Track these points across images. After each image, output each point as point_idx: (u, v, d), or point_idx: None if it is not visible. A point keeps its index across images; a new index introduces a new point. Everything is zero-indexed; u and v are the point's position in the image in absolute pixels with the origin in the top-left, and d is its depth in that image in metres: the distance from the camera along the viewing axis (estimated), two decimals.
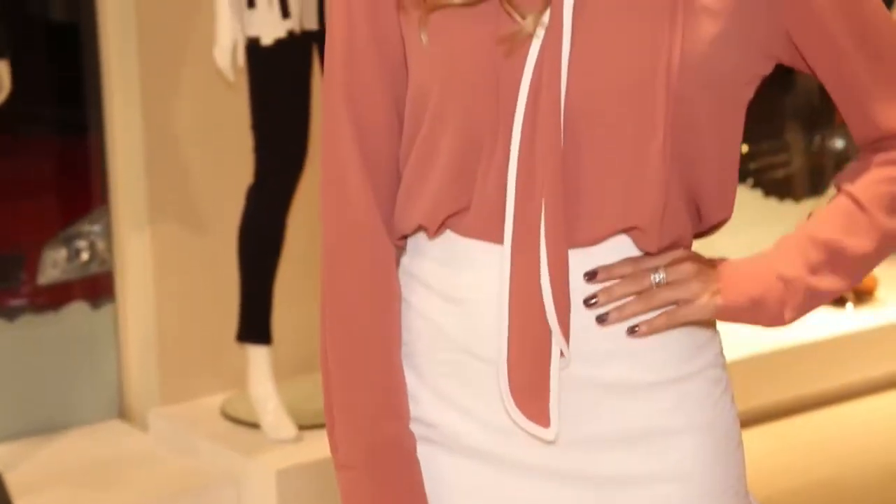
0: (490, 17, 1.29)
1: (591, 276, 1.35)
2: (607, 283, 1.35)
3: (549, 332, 1.32)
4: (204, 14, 3.65)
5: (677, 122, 1.30)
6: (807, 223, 1.45)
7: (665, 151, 1.30)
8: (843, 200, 1.44)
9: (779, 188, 5.20)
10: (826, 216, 1.44)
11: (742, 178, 5.58)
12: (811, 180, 5.25)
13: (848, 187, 1.43)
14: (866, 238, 1.42)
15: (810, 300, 1.42)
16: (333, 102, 1.39)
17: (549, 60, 1.28)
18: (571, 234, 1.32)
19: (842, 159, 5.02)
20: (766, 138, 5.33)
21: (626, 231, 1.35)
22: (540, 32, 1.28)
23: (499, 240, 1.34)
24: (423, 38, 1.31)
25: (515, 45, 1.29)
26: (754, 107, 1.42)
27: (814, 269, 1.40)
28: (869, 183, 1.42)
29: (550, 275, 1.31)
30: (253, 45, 3.45)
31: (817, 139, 5.23)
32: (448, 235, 1.38)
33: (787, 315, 1.40)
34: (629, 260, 1.36)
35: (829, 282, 1.41)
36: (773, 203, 5.12)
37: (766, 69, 1.39)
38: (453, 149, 1.34)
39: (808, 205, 5.04)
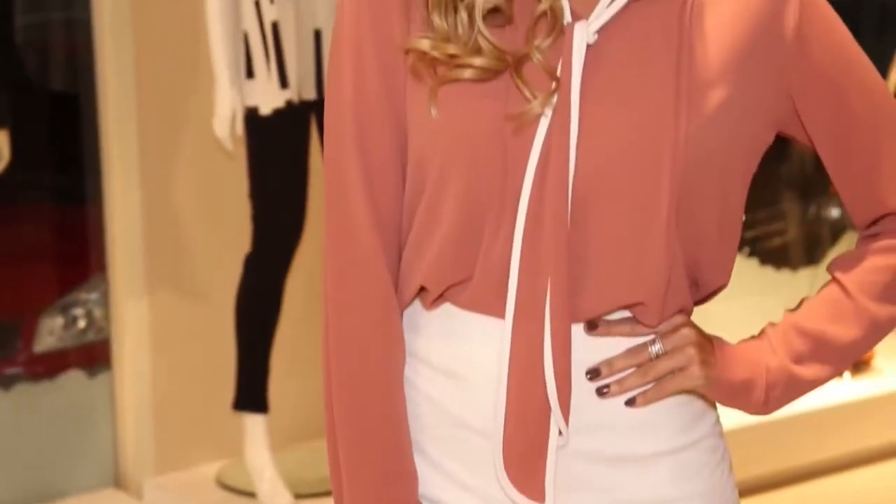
0: (500, 94, 1.30)
1: (591, 326, 1.35)
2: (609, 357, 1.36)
3: (548, 409, 1.32)
4: (203, 84, 3.67)
5: (682, 198, 1.31)
6: (795, 312, 1.45)
7: (670, 227, 1.31)
8: (833, 289, 1.45)
9: (775, 257, 5.21)
10: (814, 305, 1.45)
11: (738, 246, 5.59)
12: (807, 249, 5.26)
13: (840, 276, 1.45)
14: (854, 327, 1.42)
15: (794, 390, 1.43)
16: (342, 154, 1.38)
17: (558, 139, 1.29)
18: (574, 310, 1.33)
19: (838, 228, 5.03)
20: (762, 206, 5.34)
21: (628, 307, 1.36)
22: (548, 111, 1.29)
23: (500, 314, 1.34)
24: (434, 111, 1.32)
25: (524, 122, 1.29)
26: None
27: (798, 359, 1.41)
28: (862, 272, 1.43)
29: (553, 353, 1.31)
30: (251, 115, 3.47)
31: (813, 208, 5.25)
32: (447, 308, 1.38)
33: (771, 405, 1.42)
34: (629, 320, 1.37)
35: (814, 371, 1.42)
36: (769, 272, 5.12)
37: (770, 138, 1.40)
38: (456, 220, 1.34)
39: (804, 274, 5.05)
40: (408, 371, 1.41)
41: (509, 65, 1.29)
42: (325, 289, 1.41)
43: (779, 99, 1.37)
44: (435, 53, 1.30)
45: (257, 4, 3.38)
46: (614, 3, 1.31)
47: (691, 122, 1.30)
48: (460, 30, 1.29)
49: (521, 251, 1.31)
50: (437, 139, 1.33)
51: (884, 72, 4.54)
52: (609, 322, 1.36)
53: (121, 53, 3.90)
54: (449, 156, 1.32)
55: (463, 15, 1.29)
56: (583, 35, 1.29)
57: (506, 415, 1.33)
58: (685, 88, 1.30)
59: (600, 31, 1.30)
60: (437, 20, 1.30)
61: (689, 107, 1.30)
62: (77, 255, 4.15)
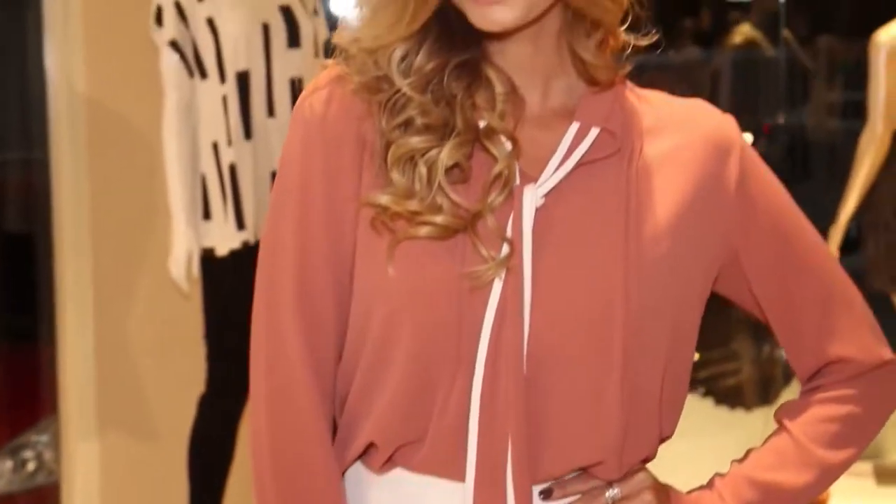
0: (455, 252, 1.30)
1: (546, 493, 1.34)
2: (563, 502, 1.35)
3: None
4: (159, 224, 3.69)
5: (634, 354, 1.31)
6: (743, 462, 1.45)
7: (624, 385, 1.31)
8: (782, 438, 1.45)
9: (729, 397, 5.23)
10: (763, 454, 1.44)
11: (692, 386, 5.61)
12: (761, 389, 5.29)
13: (788, 424, 1.45)
14: (805, 473, 1.43)
15: None
16: (279, 306, 1.38)
17: (512, 300, 1.29)
18: (533, 471, 1.32)
19: (790, 369, 5.07)
20: (715, 346, 5.38)
21: (587, 467, 1.35)
22: (501, 271, 1.29)
23: (457, 476, 1.32)
24: (390, 270, 1.30)
25: (479, 282, 1.29)
26: (704, 314, 1.44)
27: None
28: (811, 421, 1.44)
29: None
30: (208, 256, 3.48)
31: (766, 348, 5.29)
32: (399, 474, 1.36)
33: None
34: (584, 475, 1.36)
35: None
36: (723, 412, 5.14)
37: (709, 290, 1.41)
38: (408, 377, 1.32)
39: (758, 414, 5.06)
40: None
41: (466, 222, 1.30)
42: (255, 447, 1.39)
43: (723, 252, 1.39)
44: (396, 208, 1.29)
45: (215, 147, 3.41)
46: (562, 167, 1.33)
47: (641, 281, 1.31)
48: (419, 186, 1.30)
49: (480, 412, 1.29)
50: (390, 294, 1.31)
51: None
52: (564, 482, 1.35)
53: (77, 193, 3.92)
54: (401, 312, 1.31)
55: (423, 170, 1.30)
56: (532, 199, 1.31)
57: None
58: (634, 248, 1.32)
59: (550, 193, 1.32)
60: (397, 176, 1.30)
61: (638, 265, 1.31)
62: (28, 397, 4.11)
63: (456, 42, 1.34)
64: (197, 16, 3.37)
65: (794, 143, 6.46)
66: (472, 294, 1.29)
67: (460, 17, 1.32)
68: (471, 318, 1.30)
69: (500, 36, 1.33)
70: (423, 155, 1.30)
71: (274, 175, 3.49)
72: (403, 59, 1.32)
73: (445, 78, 1.32)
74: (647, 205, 1.34)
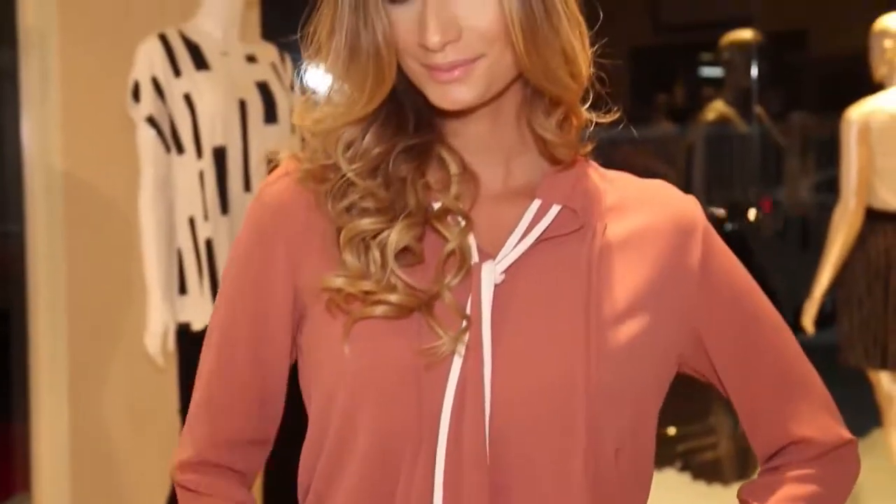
0: (412, 331, 1.30)
1: None
2: None
3: None
4: (135, 299, 3.68)
5: (597, 432, 1.30)
6: None
7: (588, 462, 1.30)
8: None
9: (706, 471, 5.22)
10: None
11: (670, 461, 5.61)
12: (739, 464, 5.28)
13: None
14: None
15: None
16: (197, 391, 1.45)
17: (472, 377, 1.29)
18: None
19: None
20: (693, 421, 5.37)
21: None
22: (461, 348, 1.29)
23: None
24: (346, 349, 1.31)
25: (436, 359, 1.29)
26: (681, 388, 1.44)
27: None
28: (775, 501, 1.43)
29: None
30: (183, 331, 3.47)
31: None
32: None
33: None
34: None
35: None
36: (701, 486, 5.12)
37: (674, 371, 1.41)
38: (370, 457, 1.32)
39: (735, 488, 5.05)
40: None
41: (422, 302, 1.30)
42: None
43: (685, 333, 1.39)
44: (350, 290, 1.30)
45: (191, 222, 3.42)
46: (522, 243, 1.33)
47: (601, 360, 1.30)
48: (373, 268, 1.31)
49: (444, 492, 1.28)
50: (348, 375, 1.31)
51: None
52: None
53: (53, 268, 3.91)
54: (360, 392, 1.31)
55: (375, 253, 1.31)
56: (490, 275, 1.31)
57: None
58: (595, 325, 1.31)
59: (509, 269, 1.33)
60: (350, 258, 1.32)
61: (598, 345, 1.31)
62: (1, 473, 4.06)
63: (407, 123, 1.36)
64: (174, 91, 3.39)
65: (790, 218, 6.51)
66: (431, 372, 1.29)
67: (414, 97, 1.34)
68: (430, 396, 1.29)
69: (459, 115, 1.35)
70: (374, 237, 1.32)
71: None
72: (350, 145, 1.34)
73: (393, 161, 1.34)
74: (608, 285, 1.34)
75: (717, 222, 6.11)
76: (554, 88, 1.30)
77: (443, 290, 1.30)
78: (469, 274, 1.31)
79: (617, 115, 1.39)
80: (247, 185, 3.45)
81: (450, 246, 1.31)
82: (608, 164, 1.46)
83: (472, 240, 1.33)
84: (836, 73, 6.81)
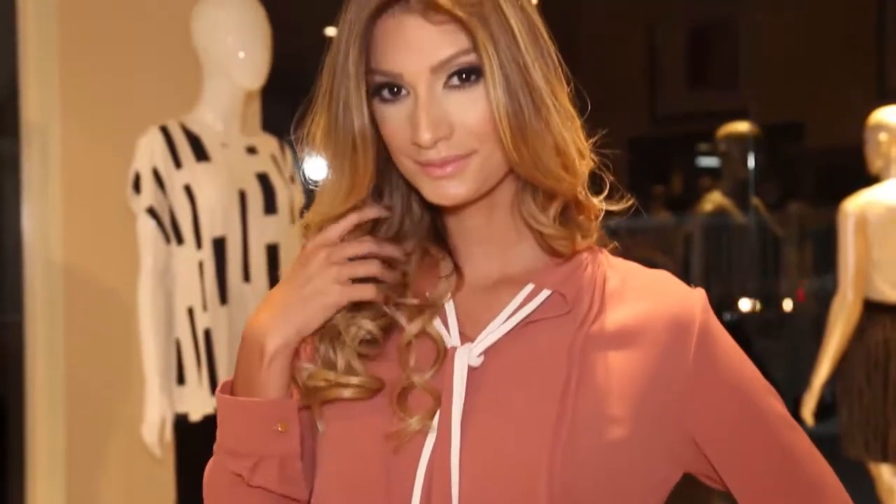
0: (384, 412, 1.32)
1: None
2: None
3: None
4: (133, 389, 3.67)
5: None
6: None
7: None
8: None
9: None
10: None
11: None
12: None
13: None
14: None
15: None
16: None
17: (440, 460, 1.29)
18: None
19: None
20: None
21: None
22: (431, 434, 1.30)
23: None
24: (320, 426, 1.35)
25: (404, 441, 1.30)
26: (682, 484, 1.41)
27: None
28: None
29: None
30: (181, 422, 3.45)
31: None
32: None
33: None
34: None
35: None
36: None
37: (675, 476, 1.37)
38: None
39: None
40: None
41: (383, 384, 1.33)
42: None
43: (677, 436, 1.34)
44: (311, 383, 1.34)
45: (190, 312, 3.42)
46: (505, 324, 1.34)
47: (569, 461, 1.28)
48: (340, 357, 1.34)
49: None
50: (322, 455, 1.35)
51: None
52: None
53: (51, 357, 3.91)
54: (332, 472, 1.33)
55: (344, 341, 1.35)
56: (464, 359, 1.32)
57: None
58: (568, 422, 1.28)
59: (489, 350, 1.33)
60: (323, 349, 1.36)
61: (569, 443, 1.28)
62: None
63: (400, 219, 1.40)
64: (175, 182, 3.41)
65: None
66: (399, 455, 1.30)
67: (410, 192, 1.38)
68: (399, 479, 1.30)
69: (455, 209, 1.37)
70: (346, 328, 1.35)
71: None
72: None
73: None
74: (591, 379, 1.31)
75: (746, 315, 6.11)
76: (547, 181, 1.31)
77: (412, 375, 1.32)
78: (445, 358, 1.33)
79: (629, 203, 1.39)
80: (246, 276, 3.46)
81: (406, 335, 1.34)
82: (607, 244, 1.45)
83: (445, 325, 1.35)
84: (833, 164, 6.86)
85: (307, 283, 1.34)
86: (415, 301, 1.36)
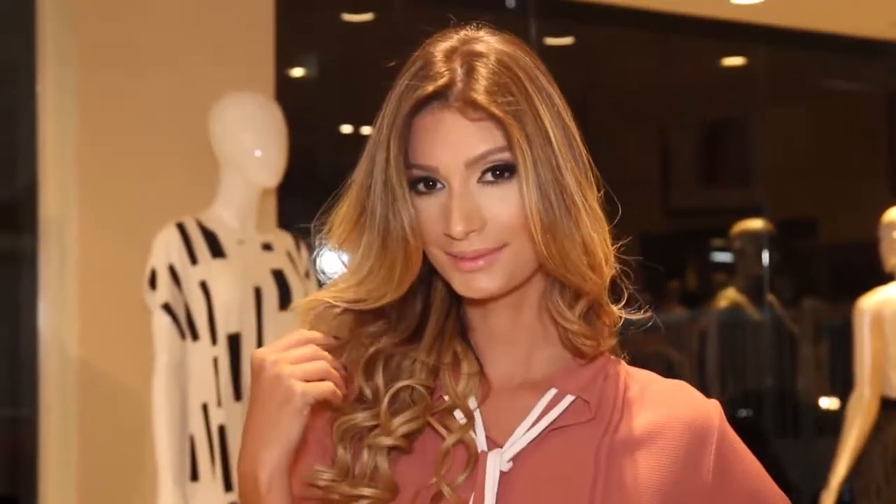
0: None
1: None
2: None
3: None
4: (147, 485, 3.65)
5: None
6: None
7: None
8: None
9: None
10: None
11: None
12: None
13: None
14: None
15: None
16: None
17: None
18: None
19: None
20: None
21: None
22: None
23: None
24: None
25: None
26: None
27: None
28: None
29: None
30: None
31: None
32: None
33: None
34: None
35: None
36: None
37: None
38: None
39: None
40: None
41: (398, 491, 1.32)
42: None
43: None
44: (331, 494, 1.33)
45: (205, 408, 3.42)
46: (532, 430, 1.34)
47: None
48: (367, 455, 1.33)
49: None
50: None
51: None
52: None
53: (65, 453, 3.89)
54: None
55: (365, 453, 1.33)
56: (495, 464, 1.32)
57: None
58: None
59: (517, 456, 1.33)
60: (341, 452, 1.34)
61: None
62: None
63: (428, 315, 1.38)
64: (190, 279, 3.42)
65: (785, 405, 6.48)
66: None
67: (438, 286, 1.38)
68: None
69: (482, 305, 1.37)
70: (369, 431, 1.34)
71: None
72: (373, 334, 1.37)
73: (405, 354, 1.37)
74: (617, 483, 1.32)
75: (762, 411, 6.08)
76: (574, 279, 1.32)
77: (441, 484, 1.31)
78: (476, 463, 1.32)
79: (647, 315, 1.41)
80: None
81: (447, 443, 1.33)
82: (622, 349, 1.46)
83: (477, 432, 1.34)
84: (847, 261, 6.86)
85: (269, 399, 1.33)
86: (444, 404, 1.35)
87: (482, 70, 1.30)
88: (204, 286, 3.42)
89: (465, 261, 1.31)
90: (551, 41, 5.84)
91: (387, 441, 1.33)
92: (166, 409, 3.41)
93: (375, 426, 1.34)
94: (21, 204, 4.39)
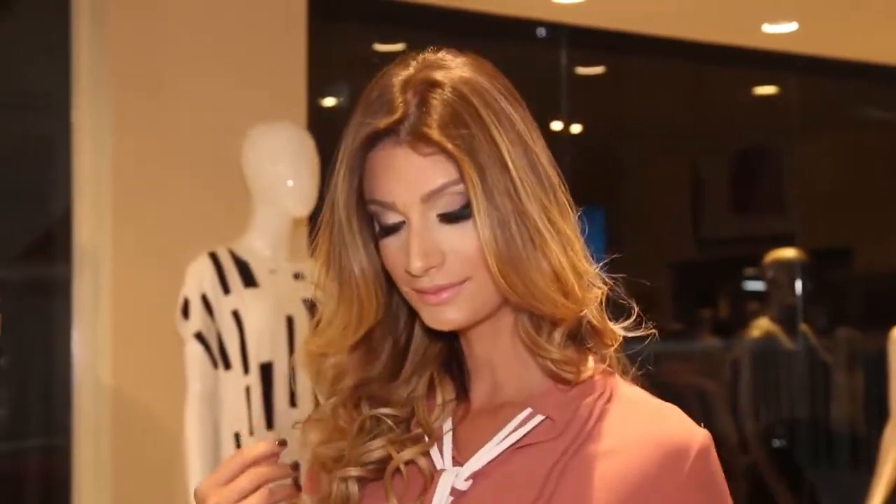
0: None
1: None
2: None
3: None
4: None
5: None
6: None
7: None
8: None
9: None
10: None
11: None
12: None
13: None
14: None
15: None
16: None
17: None
18: None
19: None
20: None
21: None
22: None
23: None
24: None
25: None
26: None
27: None
28: None
29: None
30: None
31: None
32: None
33: None
34: None
35: None
36: None
37: None
38: None
39: None
40: None
41: None
42: None
43: None
44: None
45: (237, 437, 3.41)
46: (495, 449, 1.34)
47: None
48: (333, 494, 1.37)
49: None
50: None
51: None
52: None
53: (98, 482, 3.91)
54: None
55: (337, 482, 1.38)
56: (448, 483, 1.33)
57: None
58: None
59: (478, 474, 1.33)
60: (324, 481, 1.39)
61: None
62: None
63: (404, 350, 1.41)
64: (223, 308, 3.44)
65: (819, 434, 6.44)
66: None
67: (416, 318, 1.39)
68: None
69: (463, 333, 1.38)
70: (335, 462, 1.38)
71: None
72: (340, 374, 1.40)
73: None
74: (563, 501, 1.29)
75: (795, 441, 6.04)
76: (545, 308, 1.31)
77: (391, 502, 1.34)
78: (432, 482, 1.34)
79: (651, 331, 1.38)
80: (292, 401, 3.46)
81: (394, 463, 1.35)
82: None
83: (443, 452, 1.36)
84: (881, 289, 6.82)
85: None
86: (418, 431, 1.38)
87: (435, 102, 1.29)
88: (236, 315, 3.44)
89: (430, 294, 1.31)
90: (582, 71, 5.84)
91: (353, 472, 1.36)
92: (198, 437, 3.41)
93: (340, 457, 1.38)
94: (55, 233, 4.42)
